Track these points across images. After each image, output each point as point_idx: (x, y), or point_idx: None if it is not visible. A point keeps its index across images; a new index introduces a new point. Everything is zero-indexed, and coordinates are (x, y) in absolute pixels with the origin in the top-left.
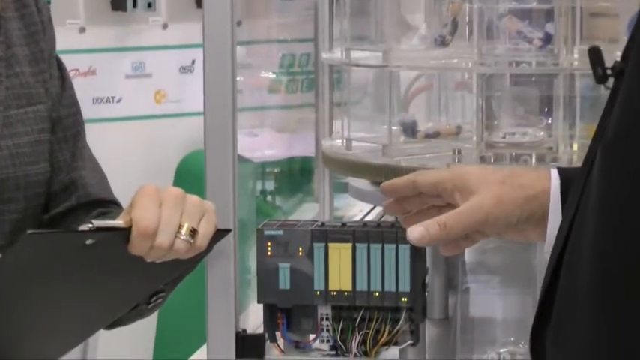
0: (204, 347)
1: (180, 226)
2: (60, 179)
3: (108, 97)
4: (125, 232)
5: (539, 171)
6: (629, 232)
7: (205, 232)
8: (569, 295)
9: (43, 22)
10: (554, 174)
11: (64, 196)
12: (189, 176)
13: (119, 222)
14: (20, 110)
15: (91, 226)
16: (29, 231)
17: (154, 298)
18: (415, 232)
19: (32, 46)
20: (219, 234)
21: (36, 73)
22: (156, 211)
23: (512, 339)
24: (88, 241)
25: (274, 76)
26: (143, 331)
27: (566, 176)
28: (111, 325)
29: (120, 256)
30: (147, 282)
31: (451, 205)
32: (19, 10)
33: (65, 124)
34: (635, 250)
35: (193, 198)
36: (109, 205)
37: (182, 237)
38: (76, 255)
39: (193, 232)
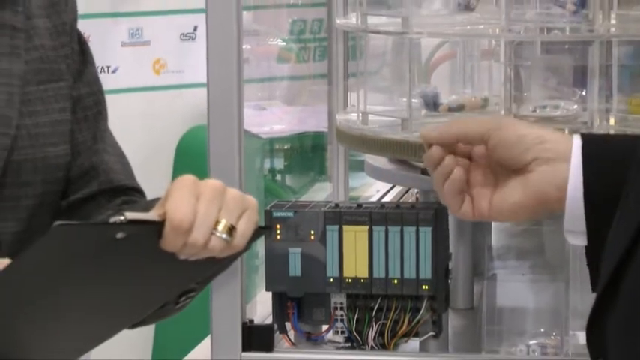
0: (207, 340)
1: (217, 223)
2: (80, 163)
3: (102, 67)
4: (158, 227)
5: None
6: None
7: (245, 230)
8: None
9: None
10: (576, 137)
11: (83, 181)
12: (191, 154)
13: (152, 214)
14: (40, 87)
15: (122, 218)
16: (58, 222)
17: (183, 298)
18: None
19: (53, 17)
20: (259, 231)
21: (57, 47)
22: (192, 205)
23: (542, 330)
24: (119, 235)
25: (284, 43)
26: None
27: (590, 138)
28: (134, 325)
29: (151, 252)
30: (178, 280)
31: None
32: None
33: (86, 104)
34: None
35: (233, 192)
36: (132, 192)
37: (218, 234)
38: (104, 249)
39: (231, 230)
